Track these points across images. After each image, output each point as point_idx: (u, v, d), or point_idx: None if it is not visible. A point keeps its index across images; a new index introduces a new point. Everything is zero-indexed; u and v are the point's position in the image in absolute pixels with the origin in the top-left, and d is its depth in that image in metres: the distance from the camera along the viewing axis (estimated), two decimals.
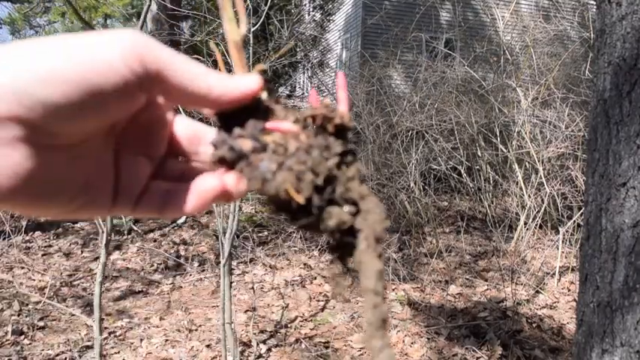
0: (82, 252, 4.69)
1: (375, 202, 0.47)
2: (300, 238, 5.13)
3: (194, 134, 0.53)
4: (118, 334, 3.42)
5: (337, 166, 0.47)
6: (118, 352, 3.20)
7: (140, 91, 0.42)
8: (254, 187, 0.47)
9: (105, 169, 0.48)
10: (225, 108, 0.47)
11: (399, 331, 3.52)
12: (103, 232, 2.21)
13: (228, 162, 0.48)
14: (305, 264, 4.62)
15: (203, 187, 0.48)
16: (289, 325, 3.57)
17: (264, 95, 0.49)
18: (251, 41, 3.07)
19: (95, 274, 2.26)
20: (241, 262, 4.61)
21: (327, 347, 3.30)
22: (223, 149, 0.48)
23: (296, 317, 3.69)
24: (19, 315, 3.51)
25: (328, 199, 0.47)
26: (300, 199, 0.45)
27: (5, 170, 0.40)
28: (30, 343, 3.24)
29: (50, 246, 4.76)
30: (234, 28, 0.49)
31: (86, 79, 0.39)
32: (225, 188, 0.48)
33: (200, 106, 0.47)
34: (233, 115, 0.48)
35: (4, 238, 4.57)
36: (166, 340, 3.35)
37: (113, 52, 0.40)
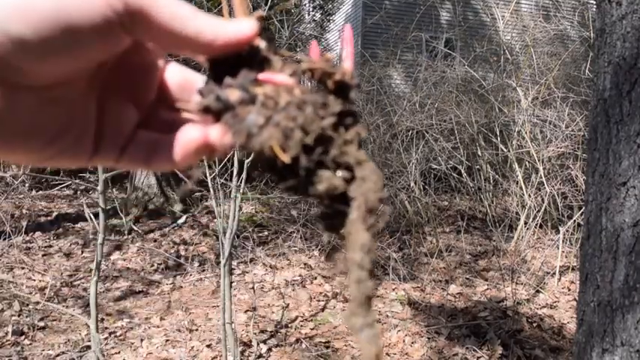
0: (82, 252, 4.69)
1: (372, 169, 0.44)
2: (301, 238, 5.13)
3: (185, 81, 0.50)
4: (118, 334, 3.42)
5: (333, 126, 0.44)
6: (119, 352, 3.20)
7: (122, 31, 0.39)
8: (238, 141, 0.44)
9: (85, 115, 0.45)
10: (217, 54, 0.44)
11: (399, 330, 3.52)
12: (99, 231, 2.21)
13: (214, 112, 0.45)
14: (305, 264, 4.62)
15: (185, 138, 0.45)
16: (290, 325, 3.57)
17: (262, 44, 0.46)
18: None
19: (92, 272, 2.26)
20: (241, 262, 4.61)
21: (327, 347, 3.30)
22: (209, 98, 0.45)
23: (296, 317, 3.69)
24: (19, 315, 3.52)
25: (318, 160, 0.44)
26: (285, 158, 0.42)
27: None
28: (30, 344, 3.24)
29: (50, 246, 4.77)
30: None
31: (61, 14, 0.36)
32: (208, 140, 0.45)
33: (188, 51, 0.44)
34: (226, 63, 0.45)
35: (4, 239, 4.57)
36: (167, 340, 3.35)
37: None
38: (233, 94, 0.44)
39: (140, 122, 0.49)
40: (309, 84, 0.45)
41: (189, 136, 0.45)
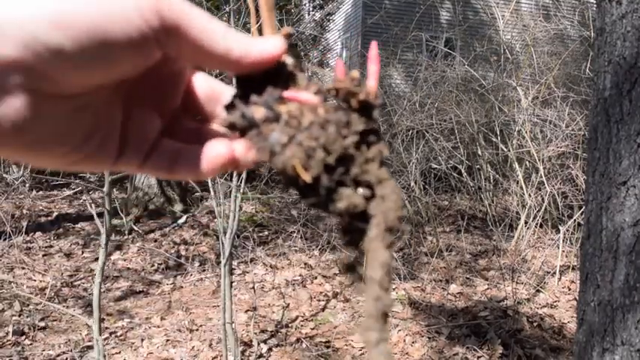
0: (82, 252, 4.70)
1: (392, 187, 0.44)
2: (301, 237, 5.13)
3: (212, 92, 0.51)
4: (119, 334, 3.42)
5: (356, 145, 0.45)
6: (119, 352, 3.21)
7: (156, 45, 0.40)
8: (261, 158, 0.45)
9: (111, 122, 0.46)
10: (244, 71, 0.45)
11: (400, 330, 3.52)
12: (102, 232, 2.21)
13: (239, 129, 0.46)
14: (305, 264, 4.62)
15: (212, 153, 0.46)
16: (290, 325, 3.58)
17: (288, 60, 0.47)
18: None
19: (96, 274, 2.26)
20: (242, 262, 4.61)
21: (327, 347, 3.30)
22: (235, 115, 0.46)
23: (297, 317, 3.70)
24: (20, 315, 3.52)
25: (338, 180, 0.44)
26: (307, 177, 0.43)
27: (2, 118, 0.38)
28: (31, 344, 3.24)
29: (51, 246, 4.77)
30: None
31: (99, 27, 0.37)
32: (234, 156, 0.46)
33: (217, 67, 0.45)
34: (253, 79, 0.46)
35: (4, 239, 4.58)
36: (167, 340, 3.35)
37: (134, 3, 0.38)
38: (258, 112, 0.44)
39: (164, 130, 0.50)
40: (333, 102, 0.45)
41: (216, 152, 0.46)
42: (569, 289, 4.15)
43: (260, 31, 0.48)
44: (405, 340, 3.41)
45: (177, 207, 5.81)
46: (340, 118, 0.44)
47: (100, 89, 0.43)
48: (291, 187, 0.45)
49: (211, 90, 0.50)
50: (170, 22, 0.39)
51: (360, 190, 0.44)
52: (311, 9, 12.51)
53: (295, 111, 0.44)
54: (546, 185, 4.98)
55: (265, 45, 0.44)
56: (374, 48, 0.46)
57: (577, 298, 1.88)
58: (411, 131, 5.80)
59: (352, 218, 0.45)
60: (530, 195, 5.15)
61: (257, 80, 0.45)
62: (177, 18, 0.39)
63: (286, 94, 0.45)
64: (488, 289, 4.22)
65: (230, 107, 0.46)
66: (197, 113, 0.51)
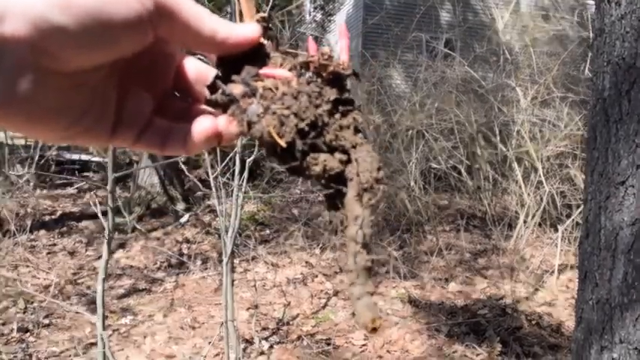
0: (86, 250, 4.72)
1: (367, 150, 0.48)
2: (302, 236, 5.14)
3: (200, 75, 0.54)
4: (122, 331, 3.44)
5: (329, 113, 0.48)
6: (122, 349, 3.23)
7: (150, 27, 0.44)
8: (241, 130, 0.49)
9: (106, 99, 0.49)
10: (226, 53, 0.49)
11: (400, 328, 3.54)
12: (106, 230, 2.23)
13: (221, 105, 0.50)
14: (307, 262, 4.64)
15: (198, 128, 0.50)
16: (291, 323, 3.60)
17: (265, 42, 0.51)
18: None
19: (99, 271, 2.28)
20: (243, 260, 4.63)
21: (328, 344, 3.32)
22: (217, 93, 0.50)
23: (298, 315, 3.72)
24: (24, 313, 3.54)
25: (313, 144, 0.47)
26: (281, 142, 0.46)
27: (4, 92, 0.41)
28: (35, 341, 3.26)
29: (55, 245, 4.78)
30: None
31: (101, 9, 0.40)
32: (218, 129, 0.50)
33: (203, 48, 0.49)
34: (233, 61, 0.50)
35: (9, 237, 4.58)
36: (170, 337, 3.37)
37: None
38: (237, 88, 0.49)
39: (156, 109, 0.53)
40: (307, 76, 0.48)
41: (202, 126, 0.50)
42: (568, 288, 4.17)
43: (241, 19, 0.52)
44: (404, 338, 3.43)
45: (180, 206, 5.82)
46: (312, 88, 0.47)
47: (97, 68, 0.46)
48: (271, 155, 0.49)
49: (199, 72, 0.54)
50: (163, 5, 0.43)
51: (337, 154, 0.48)
52: (312, 10, 12.51)
53: (270, 85, 0.48)
54: (545, 185, 5.00)
55: (245, 29, 0.49)
56: (343, 26, 0.49)
57: (575, 296, 1.89)
58: (411, 131, 5.82)
59: (330, 181, 0.49)
60: (529, 194, 5.17)
61: (237, 61, 0.50)
62: (169, 2, 0.44)
63: (263, 70, 0.49)
64: (487, 287, 4.23)
65: (212, 86, 0.51)
66: (187, 94, 0.55)
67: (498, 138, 5.71)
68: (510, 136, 5.63)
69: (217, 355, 3.17)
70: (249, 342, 3.33)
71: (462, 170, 6.01)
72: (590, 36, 5.23)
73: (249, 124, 0.48)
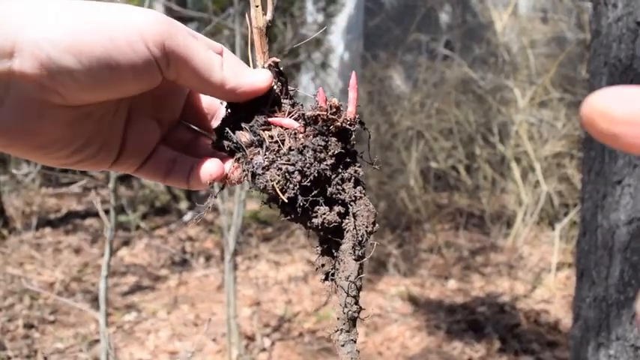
0: (91, 248, 4.74)
1: (365, 204, 0.50)
2: (304, 234, 5.15)
3: (211, 105, 0.56)
4: (126, 327, 3.46)
5: (332, 166, 0.50)
6: (126, 345, 3.25)
7: (158, 72, 0.44)
8: (245, 179, 0.50)
9: (114, 128, 0.50)
10: (236, 100, 0.50)
11: (399, 325, 3.56)
12: (108, 228, 2.25)
13: (227, 151, 0.51)
14: (308, 260, 4.66)
15: (205, 169, 0.51)
16: (292, 320, 3.62)
17: (276, 87, 0.51)
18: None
19: (102, 268, 2.30)
20: (246, 258, 4.65)
21: (329, 341, 3.33)
22: (223, 138, 0.51)
23: (299, 312, 3.74)
24: (29, 309, 3.55)
25: (314, 200, 0.49)
26: (283, 197, 0.48)
27: (9, 124, 0.42)
28: (40, 337, 3.28)
29: (60, 242, 4.80)
30: (260, 15, 0.52)
31: (107, 55, 0.41)
32: (223, 174, 0.51)
33: (212, 95, 0.50)
34: (243, 105, 0.51)
35: (15, 235, 4.60)
36: (173, 334, 3.39)
37: (139, 34, 0.42)
38: (244, 137, 0.50)
39: (162, 139, 0.55)
40: (314, 126, 0.50)
41: (209, 169, 0.51)
42: (565, 286, 4.18)
43: (252, 50, 0.53)
44: (404, 335, 3.44)
45: (183, 204, 5.84)
46: (318, 142, 0.49)
47: (105, 102, 0.47)
48: (273, 204, 0.52)
49: (211, 103, 0.56)
50: (172, 53, 0.44)
51: (336, 207, 0.50)
52: (314, 11, 12.49)
53: (277, 136, 0.49)
54: (543, 184, 5.02)
55: (255, 78, 0.49)
56: (353, 77, 0.51)
57: (573, 294, 1.91)
58: (411, 131, 5.84)
59: (327, 232, 0.51)
60: (527, 193, 5.20)
61: (246, 105, 0.51)
62: (179, 50, 0.44)
63: (271, 119, 0.50)
64: (485, 285, 4.26)
65: (220, 130, 0.52)
66: (195, 123, 0.57)
67: (497, 138, 5.74)
68: (509, 136, 5.66)
69: (219, 351, 3.19)
70: (251, 339, 3.35)
71: (461, 169, 6.04)
72: (587, 38, 5.28)
73: (254, 175, 0.49)
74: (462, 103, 6.09)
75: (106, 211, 2.36)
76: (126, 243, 4.85)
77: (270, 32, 0.53)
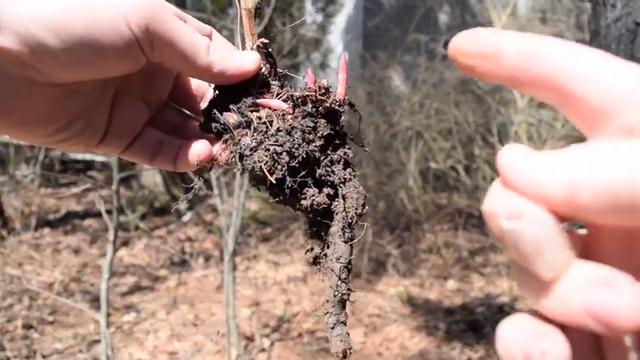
0: (90, 248, 4.74)
1: (354, 186, 0.50)
2: (303, 234, 5.14)
3: (200, 86, 0.56)
4: (125, 328, 3.46)
5: (321, 148, 0.49)
6: (125, 345, 3.25)
7: (142, 54, 0.44)
8: (233, 160, 0.49)
9: (100, 107, 0.49)
10: (223, 82, 0.50)
11: (398, 325, 3.56)
12: (110, 229, 2.26)
13: (215, 132, 0.51)
14: (307, 260, 4.64)
15: (193, 150, 0.51)
16: (292, 320, 3.62)
17: (264, 69, 0.51)
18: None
19: (103, 269, 2.31)
20: (245, 259, 4.65)
21: (328, 342, 3.33)
22: (211, 120, 0.51)
23: (298, 312, 3.74)
24: (29, 310, 3.55)
25: (302, 181, 0.48)
26: (271, 178, 0.47)
27: None
28: (39, 337, 3.28)
29: (59, 242, 4.79)
30: None
31: (89, 35, 0.41)
32: (211, 155, 0.51)
33: (199, 77, 0.49)
34: (231, 86, 0.50)
35: (14, 235, 4.60)
36: (172, 334, 3.39)
37: (122, 15, 0.41)
38: (232, 118, 0.49)
39: (150, 120, 0.54)
40: (303, 109, 0.49)
41: (197, 150, 0.51)
42: None
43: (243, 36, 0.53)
44: (403, 335, 3.44)
45: (182, 204, 5.85)
46: (307, 124, 0.48)
47: (90, 80, 0.47)
48: (261, 185, 0.51)
49: (200, 86, 0.56)
50: (156, 36, 0.43)
51: (325, 189, 0.50)
52: (313, 11, 12.51)
53: (266, 117, 0.49)
54: None
55: (243, 61, 0.49)
56: (342, 59, 0.51)
57: None
58: (410, 131, 5.85)
59: (316, 215, 0.51)
60: None
61: (234, 87, 0.50)
62: (163, 33, 0.44)
63: (260, 100, 0.50)
64: (485, 285, 4.25)
65: (207, 112, 0.51)
66: (184, 105, 0.56)
67: (496, 138, 5.74)
68: (508, 136, 5.66)
69: (219, 351, 3.19)
70: (250, 339, 3.35)
71: (461, 170, 6.04)
72: (586, 38, 5.28)
73: (241, 157, 0.48)
74: (462, 103, 6.09)
75: (107, 212, 2.37)
76: (125, 243, 4.85)
77: (260, 34, 0.53)
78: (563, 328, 0.29)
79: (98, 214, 4.93)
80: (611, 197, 0.24)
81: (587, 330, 0.26)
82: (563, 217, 0.29)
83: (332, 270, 0.49)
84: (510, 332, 0.29)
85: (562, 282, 0.28)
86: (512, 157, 0.28)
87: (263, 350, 3.25)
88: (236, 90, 0.50)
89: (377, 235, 4.89)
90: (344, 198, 0.50)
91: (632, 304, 0.24)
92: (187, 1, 6.17)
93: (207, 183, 3.21)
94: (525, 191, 0.27)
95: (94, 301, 3.71)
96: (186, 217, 5.41)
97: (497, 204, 0.28)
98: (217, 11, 4.31)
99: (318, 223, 0.52)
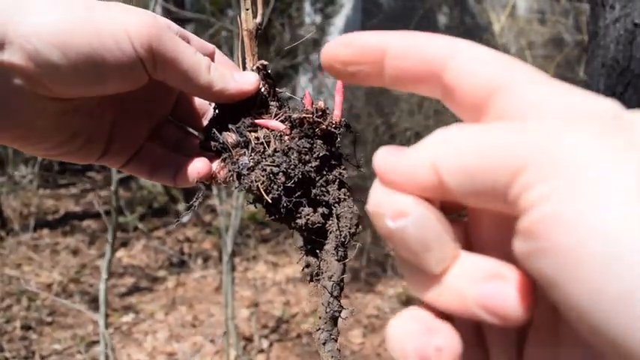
0: (89, 249, 4.73)
1: (349, 206, 0.51)
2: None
3: (203, 103, 0.57)
4: (123, 329, 3.47)
5: (317, 168, 0.50)
6: (124, 346, 3.25)
7: (144, 72, 0.45)
8: (231, 179, 0.51)
9: (101, 123, 0.50)
10: (223, 102, 0.51)
11: None
12: (109, 229, 2.26)
13: (214, 151, 0.52)
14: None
15: (192, 168, 0.51)
16: (290, 321, 3.63)
17: (263, 89, 0.52)
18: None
19: (102, 270, 2.31)
20: (244, 259, 4.65)
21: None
22: (211, 138, 0.52)
23: (297, 313, 3.75)
24: (27, 310, 3.56)
25: (297, 201, 0.50)
26: (267, 198, 0.49)
27: (1, 113, 0.43)
28: (38, 338, 3.28)
29: (58, 243, 4.78)
30: (250, 18, 0.53)
31: (94, 52, 0.42)
32: (210, 172, 0.52)
33: (199, 96, 0.51)
34: (230, 105, 0.51)
35: (12, 236, 4.59)
36: (171, 335, 3.40)
37: (126, 33, 0.42)
38: (230, 137, 0.50)
39: (151, 135, 0.55)
40: (300, 129, 0.50)
41: (196, 168, 0.52)
42: None
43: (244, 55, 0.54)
44: None
45: (181, 205, 5.84)
46: (303, 145, 0.49)
47: (93, 97, 0.47)
48: (258, 203, 0.52)
49: (202, 104, 0.57)
50: (159, 55, 0.44)
51: (320, 208, 0.51)
52: (312, 12, 12.54)
53: (263, 137, 0.50)
54: None
55: (242, 81, 0.50)
56: (339, 83, 0.51)
57: None
58: (409, 132, 5.87)
59: (311, 233, 0.52)
60: None
61: (234, 105, 0.51)
62: (166, 53, 0.45)
63: (258, 121, 0.51)
64: None
65: (207, 130, 0.52)
66: (185, 122, 0.57)
67: None
68: None
69: (217, 352, 3.19)
70: (249, 340, 3.36)
71: None
72: (585, 39, 5.30)
73: (239, 176, 0.50)
74: None
75: (106, 213, 2.37)
76: (124, 244, 4.84)
77: (260, 35, 0.54)
78: (450, 319, 0.29)
79: (97, 215, 4.93)
80: (468, 176, 0.25)
81: (475, 321, 0.27)
82: (450, 209, 0.30)
83: (324, 287, 0.50)
84: (401, 330, 0.29)
85: (451, 275, 0.28)
86: (384, 155, 0.28)
87: (262, 351, 3.26)
88: (235, 109, 0.51)
89: (376, 236, 4.90)
90: (338, 217, 0.50)
91: (519, 294, 0.25)
92: (186, 1, 6.18)
93: (207, 183, 3.21)
94: (400, 183, 0.27)
95: (93, 302, 3.71)
96: (185, 218, 5.40)
97: (381, 204, 0.28)
98: (216, 12, 4.32)
99: (313, 241, 0.53)
